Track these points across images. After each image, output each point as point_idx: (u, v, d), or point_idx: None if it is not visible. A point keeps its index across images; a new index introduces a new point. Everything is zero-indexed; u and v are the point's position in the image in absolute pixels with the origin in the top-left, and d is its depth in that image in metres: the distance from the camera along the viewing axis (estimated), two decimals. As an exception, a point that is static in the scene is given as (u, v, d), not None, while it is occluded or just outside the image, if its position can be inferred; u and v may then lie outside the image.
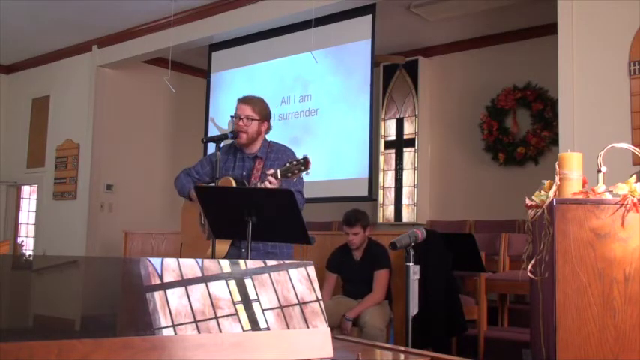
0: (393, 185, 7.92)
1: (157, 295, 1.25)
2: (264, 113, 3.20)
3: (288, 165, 2.84)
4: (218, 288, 1.31)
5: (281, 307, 1.37)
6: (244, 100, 3.22)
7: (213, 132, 7.49)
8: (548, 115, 6.95)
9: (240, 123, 3.16)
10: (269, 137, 3.32)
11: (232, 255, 3.03)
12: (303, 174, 2.84)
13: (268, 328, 1.32)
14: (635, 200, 2.31)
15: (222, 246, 3.04)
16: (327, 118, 6.68)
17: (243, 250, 3.00)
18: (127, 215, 8.16)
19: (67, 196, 8.40)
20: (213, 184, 3.14)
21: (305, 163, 2.80)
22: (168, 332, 1.21)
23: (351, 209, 4.41)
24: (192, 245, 3.31)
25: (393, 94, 8.03)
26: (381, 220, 7.90)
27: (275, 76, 7.10)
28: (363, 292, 4.23)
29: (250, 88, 6.55)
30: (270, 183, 2.83)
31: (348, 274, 4.40)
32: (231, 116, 3.25)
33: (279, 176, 2.83)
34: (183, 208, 3.44)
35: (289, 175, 2.82)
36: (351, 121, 6.43)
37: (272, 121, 3.32)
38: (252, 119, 3.16)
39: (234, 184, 3.10)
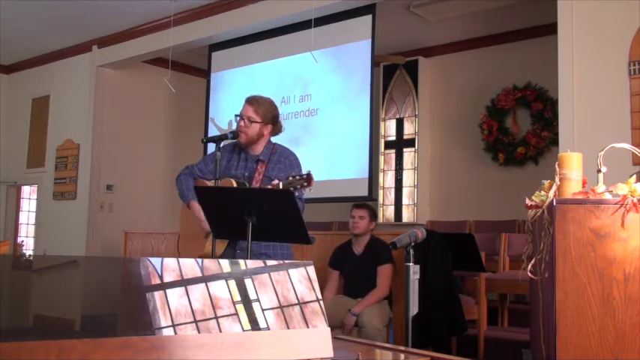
0: (393, 185, 7.92)
1: (157, 295, 1.25)
2: (268, 116, 3.12)
3: (291, 179, 2.82)
4: (218, 288, 1.31)
5: (281, 307, 1.37)
6: (249, 101, 3.15)
7: (213, 132, 7.50)
8: (548, 115, 6.95)
9: (242, 123, 3.11)
10: (278, 139, 3.27)
11: (228, 255, 3.00)
12: (306, 190, 2.83)
13: (268, 328, 1.32)
14: (635, 200, 2.31)
15: (219, 246, 3.01)
16: (327, 118, 6.68)
17: (238, 251, 3.01)
18: (127, 215, 8.16)
19: (67, 196, 8.40)
20: (213, 184, 3.13)
21: (308, 180, 2.78)
22: (168, 332, 1.21)
23: None
24: (189, 241, 3.29)
25: (393, 94, 8.03)
26: (381, 220, 7.89)
27: (275, 76, 7.10)
28: (364, 289, 4.24)
29: (250, 88, 6.55)
30: None
31: (349, 269, 4.42)
32: (236, 115, 3.19)
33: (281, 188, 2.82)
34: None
35: (291, 189, 2.80)
36: (351, 121, 6.43)
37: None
38: (253, 121, 3.10)
39: (235, 185, 3.09)
